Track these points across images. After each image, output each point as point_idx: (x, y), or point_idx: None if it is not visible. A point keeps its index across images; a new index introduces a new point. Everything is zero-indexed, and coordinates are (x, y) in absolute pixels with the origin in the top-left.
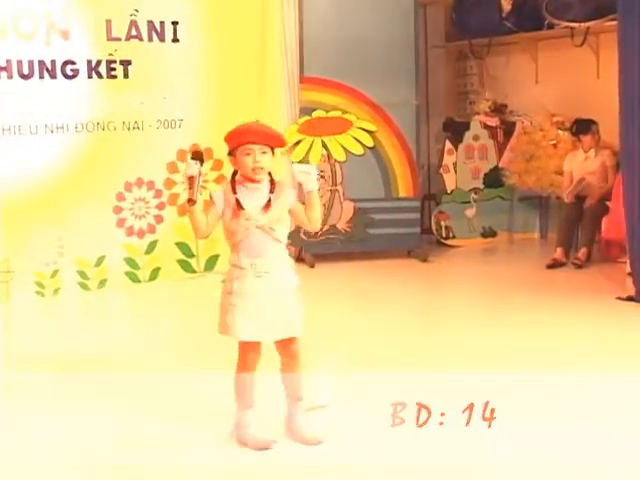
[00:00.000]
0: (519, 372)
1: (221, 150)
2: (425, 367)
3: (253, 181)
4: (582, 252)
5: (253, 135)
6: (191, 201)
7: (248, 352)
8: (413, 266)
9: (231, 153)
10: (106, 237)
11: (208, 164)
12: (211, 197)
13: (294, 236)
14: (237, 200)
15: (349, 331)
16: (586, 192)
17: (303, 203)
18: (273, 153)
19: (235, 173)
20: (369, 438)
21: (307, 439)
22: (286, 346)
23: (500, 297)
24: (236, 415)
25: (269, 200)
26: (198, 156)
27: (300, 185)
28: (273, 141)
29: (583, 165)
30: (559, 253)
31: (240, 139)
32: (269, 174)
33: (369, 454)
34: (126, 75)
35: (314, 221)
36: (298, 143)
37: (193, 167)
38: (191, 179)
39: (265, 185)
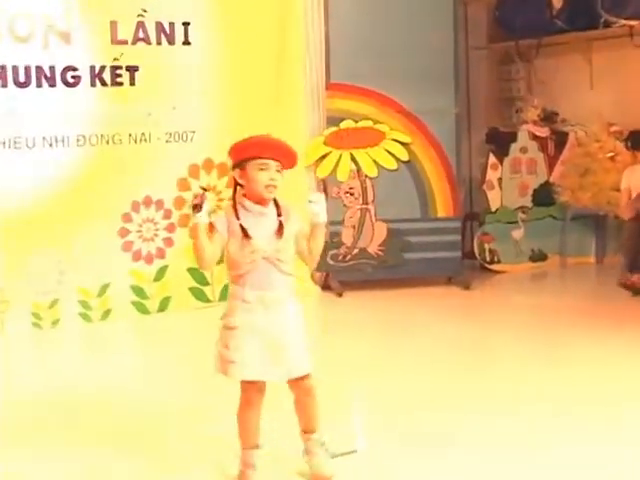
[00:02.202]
0: (580, 419)
1: None
2: (467, 412)
3: (261, 202)
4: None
5: (272, 149)
6: (197, 207)
7: (253, 391)
8: (453, 295)
9: (238, 166)
10: (110, 263)
11: (224, 180)
12: (213, 224)
13: (320, 261)
14: (242, 227)
15: (380, 370)
16: None
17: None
18: (282, 172)
19: (235, 192)
20: None
21: (324, 476)
22: (298, 384)
23: (552, 331)
24: (241, 456)
25: (280, 225)
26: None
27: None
28: (290, 160)
29: None
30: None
31: (254, 151)
32: (274, 198)
33: None
34: (133, 82)
35: (315, 254)
36: (324, 157)
37: (198, 196)
38: (198, 201)
39: (271, 209)
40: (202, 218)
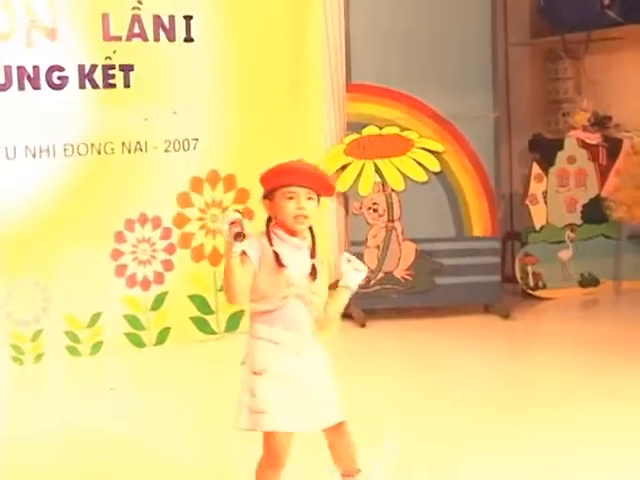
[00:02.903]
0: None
1: (246, 177)
2: (507, 456)
3: (293, 233)
4: None
5: (299, 175)
6: (240, 235)
7: (282, 446)
8: (492, 325)
9: (267, 196)
10: (102, 289)
11: (232, 194)
12: (243, 251)
13: None
14: (276, 255)
15: (408, 410)
16: None
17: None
18: (318, 202)
19: (269, 222)
20: None
21: None
22: (332, 430)
23: (606, 365)
24: None
25: (314, 267)
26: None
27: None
28: (322, 186)
29: None
30: None
31: (282, 179)
32: (310, 230)
33: None
34: (127, 84)
35: (330, 317)
36: (344, 168)
37: (235, 214)
38: (235, 224)
39: (307, 244)
40: (239, 248)
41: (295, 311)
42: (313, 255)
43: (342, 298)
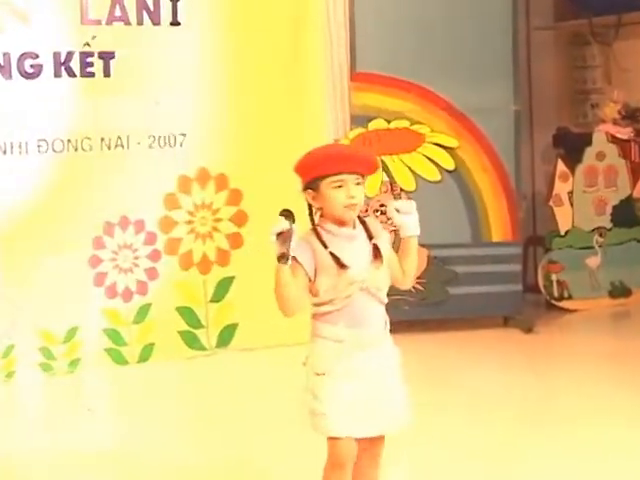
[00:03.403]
0: None
1: (239, 176)
2: None
3: (343, 224)
4: None
5: (347, 162)
6: (284, 256)
7: (344, 449)
8: (512, 339)
9: (310, 187)
10: (79, 300)
11: (223, 195)
12: (294, 257)
13: None
14: (334, 256)
15: (420, 433)
16: None
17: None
18: (364, 182)
19: (312, 216)
20: None
21: None
22: (375, 443)
23: (638, 384)
24: None
25: (376, 248)
26: (289, 215)
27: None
28: (367, 167)
29: None
30: None
31: (328, 167)
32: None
33: None
34: (107, 73)
35: (410, 274)
36: None
37: (283, 223)
38: (283, 235)
39: (360, 229)
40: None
41: (361, 306)
42: (371, 236)
43: (412, 248)
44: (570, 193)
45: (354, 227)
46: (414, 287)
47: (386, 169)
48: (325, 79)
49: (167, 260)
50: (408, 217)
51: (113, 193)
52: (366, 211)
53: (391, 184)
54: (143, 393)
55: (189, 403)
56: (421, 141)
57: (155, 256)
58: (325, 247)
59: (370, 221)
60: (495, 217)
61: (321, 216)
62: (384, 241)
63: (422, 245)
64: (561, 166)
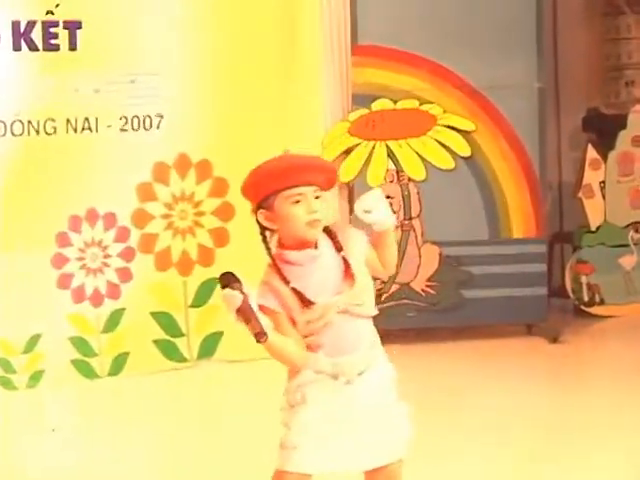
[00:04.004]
0: None
1: (224, 163)
2: None
3: (304, 245)
4: None
5: (301, 171)
6: (261, 334)
7: None
8: (536, 350)
9: (262, 206)
10: (41, 305)
11: (206, 185)
12: (262, 306)
13: None
14: (298, 293)
15: (429, 456)
16: None
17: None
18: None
19: (267, 244)
20: None
21: None
22: (382, 472)
23: None
24: None
25: (345, 263)
26: (232, 281)
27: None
28: (327, 180)
29: None
30: None
31: (281, 181)
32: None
33: None
34: (73, 45)
35: (391, 265)
36: (349, 152)
37: (233, 296)
38: (242, 311)
39: (323, 244)
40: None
41: (342, 330)
42: (339, 248)
43: (387, 241)
44: (602, 183)
45: (316, 246)
46: (423, 290)
47: (392, 156)
48: (322, 53)
49: (142, 259)
50: (377, 212)
51: (80, 182)
52: None
53: (397, 173)
54: (114, 411)
55: (166, 422)
56: (432, 123)
57: (128, 255)
58: (287, 283)
59: (337, 228)
60: (516, 210)
61: (278, 241)
62: (357, 247)
63: (433, 242)
64: (592, 152)
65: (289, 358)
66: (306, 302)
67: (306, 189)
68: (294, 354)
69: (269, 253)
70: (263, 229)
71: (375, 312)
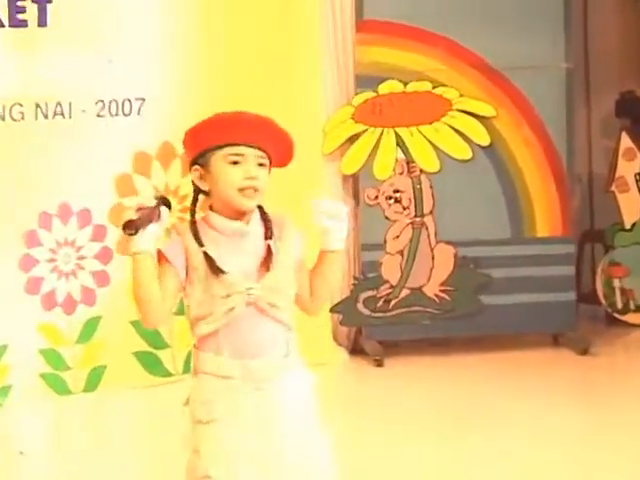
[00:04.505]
0: None
1: None
2: None
3: (237, 216)
4: None
5: (249, 129)
6: (131, 225)
7: None
8: (563, 362)
9: (197, 162)
10: (8, 313)
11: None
12: (161, 253)
13: (348, 308)
14: (208, 257)
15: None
16: None
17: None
18: (270, 170)
19: (195, 203)
20: None
21: None
22: None
23: None
24: None
25: (268, 251)
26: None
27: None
28: (280, 147)
29: None
30: None
31: (220, 135)
32: (259, 206)
33: None
34: (43, 21)
35: (320, 299)
36: (354, 140)
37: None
38: (143, 211)
39: (256, 224)
40: (144, 244)
41: (249, 327)
42: (269, 235)
43: (331, 265)
44: (638, 175)
45: (247, 222)
46: (437, 295)
47: (402, 144)
48: (323, 29)
49: (120, 261)
50: (335, 223)
51: (50, 175)
52: (376, 198)
53: (408, 164)
54: (89, 431)
55: (148, 442)
56: (447, 108)
57: (105, 256)
58: (200, 245)
59: (276, 217)
60: (541, 206)
61: (209, 206)
62: (291, 242)
63: (448, 242)
64: (626, 141)
65: (144, 296)
66: (215, 269)
67: (248, 150)
68: (151, 298)
69: (192, 211)
70: (197, 190)
71: (291, 324)
